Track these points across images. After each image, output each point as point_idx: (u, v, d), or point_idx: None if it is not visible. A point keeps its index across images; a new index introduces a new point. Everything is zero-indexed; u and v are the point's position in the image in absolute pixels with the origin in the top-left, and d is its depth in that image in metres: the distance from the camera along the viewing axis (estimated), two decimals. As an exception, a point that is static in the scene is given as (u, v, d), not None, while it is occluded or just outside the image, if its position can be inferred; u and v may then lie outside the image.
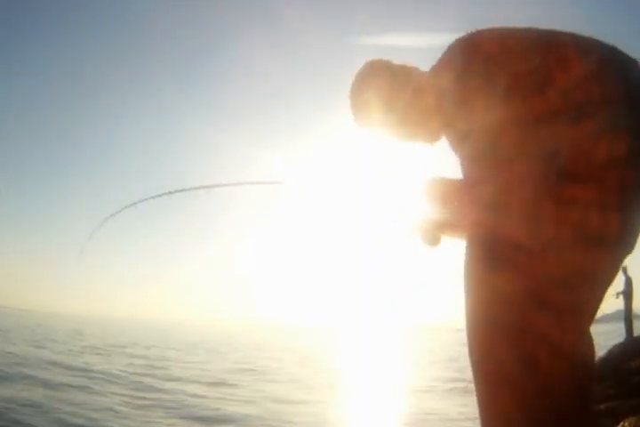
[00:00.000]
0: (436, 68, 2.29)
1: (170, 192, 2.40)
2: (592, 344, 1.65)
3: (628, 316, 11.19)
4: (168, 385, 9.40)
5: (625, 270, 11.05)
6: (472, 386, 2.05)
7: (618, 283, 11.32)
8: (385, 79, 2.22)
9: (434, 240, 2.40)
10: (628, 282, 10.97)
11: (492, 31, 2.28)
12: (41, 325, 39.52)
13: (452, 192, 2.36)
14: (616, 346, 8.20)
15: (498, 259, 2.25)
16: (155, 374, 11.06)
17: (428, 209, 2.38)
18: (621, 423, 4.65)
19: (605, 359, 7.36)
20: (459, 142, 2.42)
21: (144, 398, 7.74)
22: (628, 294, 10.91)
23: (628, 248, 1.57)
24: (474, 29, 2.33)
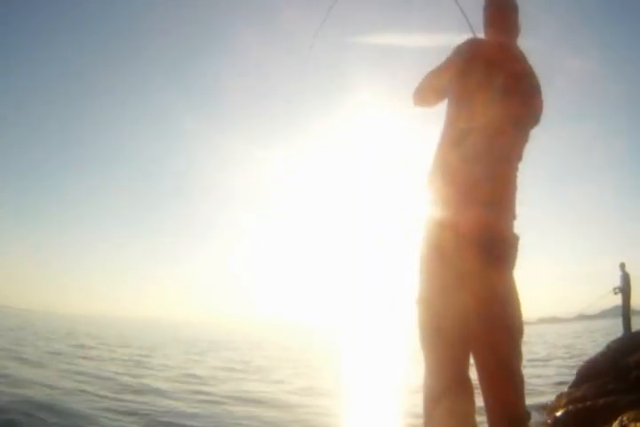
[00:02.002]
0: (441, 69, 2.36)
1: None
2: None
3: (625, 312, 11.24)
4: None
5: (622, 267, 11.09)
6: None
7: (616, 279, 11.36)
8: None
9: (433, 99, 2.46)
10: (626, 278, 11.02)
11: (494, 38, 2.35)
12: (34, 324, 39.07)
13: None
14: (614, 341, 8.24)
15: (496, 256, 2.30)
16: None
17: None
18: (620, 418, 4.69)
19: (603, 355, 7.41)
20: (456, 143, 2.48)
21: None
22: (625, 290, 10.97)
23: None
24: (477, 35, 2.40)
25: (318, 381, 10.86)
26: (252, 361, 15.64)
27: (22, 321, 42.66)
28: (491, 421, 2.07)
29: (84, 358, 12.64)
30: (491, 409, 2.08)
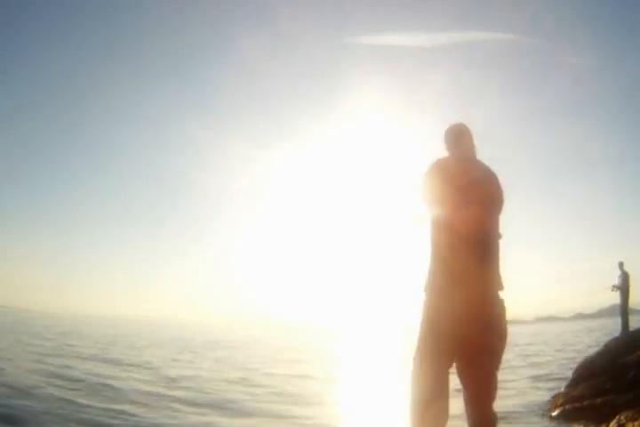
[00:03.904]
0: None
1: None
2: None
3: (623, 311, 11.23)
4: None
5: (621, 266, 11.09)
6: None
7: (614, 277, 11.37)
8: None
9: (421, 217, 2.65)
10: (625, 277, 11.00)
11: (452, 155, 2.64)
12: (17, 322, 38.44)
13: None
14: (611, 340, 8.24)
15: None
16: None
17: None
18: (617, 417, 4.69)
19: (601, 354, 7.40)
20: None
21: None
22: (624, 289, 10.96)
23: None
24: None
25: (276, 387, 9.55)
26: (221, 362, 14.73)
27: (16, 321, 42.31)
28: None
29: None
30: (469, 416, 2.34)
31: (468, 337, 2.34)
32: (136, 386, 8.34)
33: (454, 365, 2.43)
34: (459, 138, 2.71)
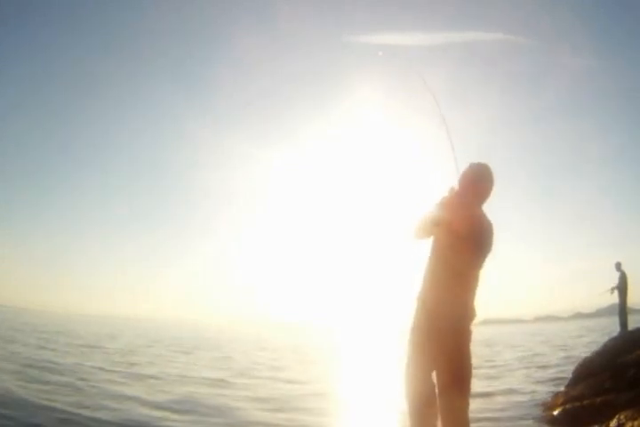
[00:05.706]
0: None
1: None
2: None
3: (622, 310, 11.27)
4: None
5: (619, 266, 11.12)
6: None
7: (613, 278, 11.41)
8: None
9: (425, 235, 2.68)
10: (623, 277, 11.04)
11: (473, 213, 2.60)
12: (7, 320, 37.93)
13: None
14: (610, 340, 8.25)
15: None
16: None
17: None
18: (617, 416, 4.69)
19: (600, 353, 7.41)
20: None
21: None
22: (622, 289, 10.99)
23: None
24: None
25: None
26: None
27: (5, 319, 41.85)
28: None
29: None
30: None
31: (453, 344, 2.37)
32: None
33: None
34: (482, 186, 2.59)
